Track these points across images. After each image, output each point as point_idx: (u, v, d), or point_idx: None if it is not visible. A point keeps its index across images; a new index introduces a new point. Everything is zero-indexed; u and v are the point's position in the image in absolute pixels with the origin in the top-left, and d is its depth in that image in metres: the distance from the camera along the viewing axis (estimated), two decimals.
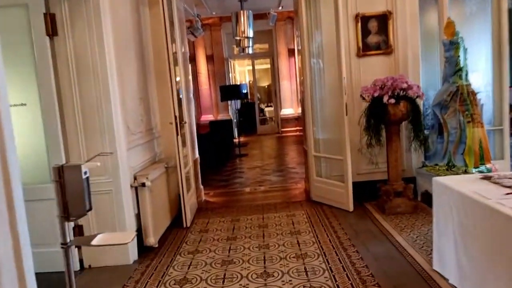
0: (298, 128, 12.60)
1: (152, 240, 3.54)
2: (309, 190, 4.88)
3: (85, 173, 1.73)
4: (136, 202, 3.54)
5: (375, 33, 4.55)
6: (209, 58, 12.45)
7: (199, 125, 12.62)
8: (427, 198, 4.28)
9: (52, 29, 3.08)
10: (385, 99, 3.86)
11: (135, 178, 3.52)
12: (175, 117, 4.03)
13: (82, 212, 1.70)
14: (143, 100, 4.11)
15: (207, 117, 12.33)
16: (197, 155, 5.30)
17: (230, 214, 4.55)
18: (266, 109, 15.57)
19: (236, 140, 10.19)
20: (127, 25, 3.83)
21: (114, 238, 1.99)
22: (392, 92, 3.91)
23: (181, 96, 4.65)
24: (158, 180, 3.87)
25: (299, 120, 12.47)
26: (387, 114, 3.91)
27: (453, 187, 2.42)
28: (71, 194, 1.66)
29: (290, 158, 8.29)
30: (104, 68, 3.15)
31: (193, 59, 12.64)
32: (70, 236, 1.74)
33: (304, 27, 4.57)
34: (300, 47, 4.76)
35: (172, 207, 4.30)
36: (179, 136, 4.07)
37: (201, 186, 5.35)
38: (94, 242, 1.69)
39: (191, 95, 5.28)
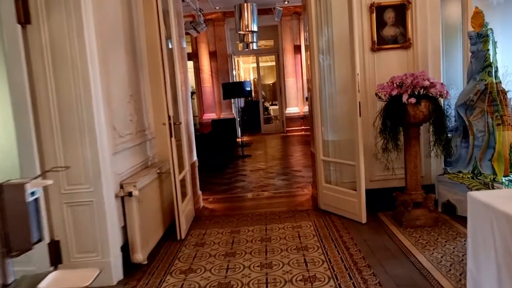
0: (303, 127, 12.17)
1: (140, 256, 3.13)
2: (317, 197, 4.45)
3: (33, 193, 1.32)
4: (123, 213, 3.14)
5: (391, 25, 4.10)
6: (212, 55, 12.03)
7: (201, 124, 12.24)
8: (449, 209, 3.84)
9: (24, 16, 2.67)
10: (404, 98, 3.42)
11: (121, 187, 3.11)
12: (169, 117, 3.62)
13: (27, 245, 1.30)
14: (134, 98, 3.70)
15: (210, 116, 11.93)
16: (194, 158, 4.89)
17: (230, 224, 4.14)
18: (271, 107, 15.16)
19: (239, 140, 9.77)
20: (116, 14, 3.42)
21: (69, 279, 1.58)
22: (411, 90, 3.47)
23: (178, 94, 4.25)
24: (148, 187, 3.47)
25: (305, 119, 12.03)
26: (406, 115, 3.47)
27: (497, 207, 1.98)
28: (12, 221, 1.25)
29: (295, 160, 7.86)
30: (84, 61, 2.74)
31: (195, 56, 12.23)
32: (12, 275, 1.34)
33: (313, 20, 4.13)
34: (308, 43, 4.33)
35: (165, 217, 3.90)
36: (173, 139, 3.66)
37: (199, 192, 4.94)
38: (43, 284, 1.29)
39: (189, 93, 4.86)
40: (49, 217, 2.83)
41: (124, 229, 3.16)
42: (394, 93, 3.49)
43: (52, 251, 2.82)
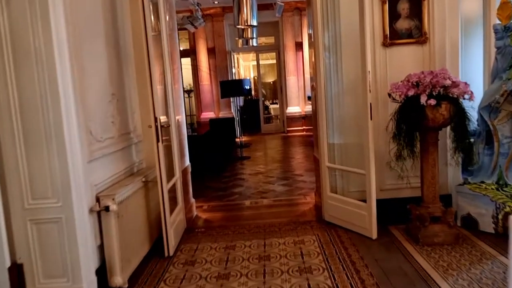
0: (305, 127, 11.77)
1: (119, 280, 2.72)
2: (321, 207, 4.04)
3: None
4: (99, 230, 2.73)
5: (406, 17, 3.68)
6: (211, 51, 11.61)
7: (199, 124, 11.83)
8: (470, 223, 3.43)
9: None
10: (423, 99, 3.00)
11: (97, 200, 2.70)
12: (156, 119, 3.21)
13: None
14: (117, 97, 3.28)
15: (208, 115, 11.52)
16: (187, 162, 4.47)
17: (225, 237, 3.72)
18: (271, 106, 14.74)
19: (238, 140, 9.36)
20: (94, 1, 3.00)
21: None
22: (430, 90, 3.05)
23: (168, 94, 3.84)
24: (132, 199, 3.05)
25: (306, 119, 11.61)
26: (424, 118, 3.06)
27: None
28: None
29: (297, 163, 7.45)
30: (50, 52, 2.32)
31: (193, 52, 11.82)
32: None
33: (318, 14, 3.72)
34: (312, 39, 3.91)
35: (152, 230, 3.49)
36: (160, 144, 3.24)
37: (192, 200, 4.52)
38: None
39: (181, 92, 4.44)
40: (9, 236, 2.41)
41: (101, 248, 2.75)
42: (410, 93, 3.08)
43: (13, 276, 2.40)
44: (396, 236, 3.44)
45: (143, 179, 3.32)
